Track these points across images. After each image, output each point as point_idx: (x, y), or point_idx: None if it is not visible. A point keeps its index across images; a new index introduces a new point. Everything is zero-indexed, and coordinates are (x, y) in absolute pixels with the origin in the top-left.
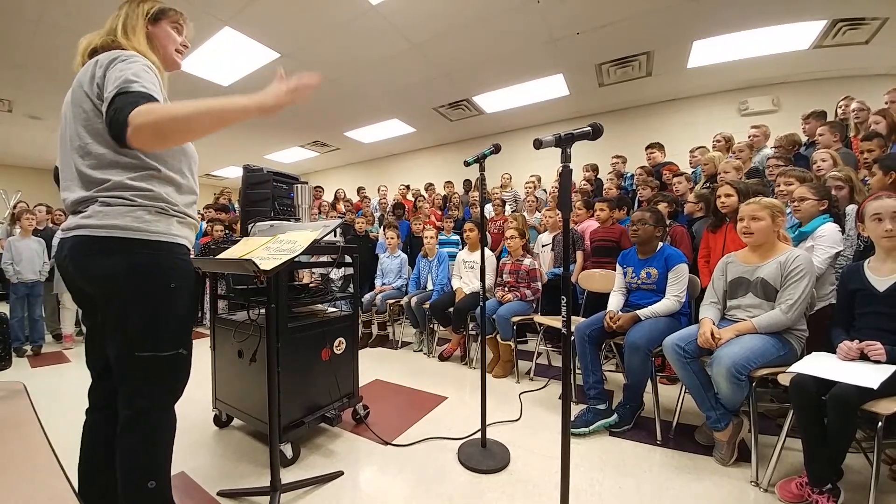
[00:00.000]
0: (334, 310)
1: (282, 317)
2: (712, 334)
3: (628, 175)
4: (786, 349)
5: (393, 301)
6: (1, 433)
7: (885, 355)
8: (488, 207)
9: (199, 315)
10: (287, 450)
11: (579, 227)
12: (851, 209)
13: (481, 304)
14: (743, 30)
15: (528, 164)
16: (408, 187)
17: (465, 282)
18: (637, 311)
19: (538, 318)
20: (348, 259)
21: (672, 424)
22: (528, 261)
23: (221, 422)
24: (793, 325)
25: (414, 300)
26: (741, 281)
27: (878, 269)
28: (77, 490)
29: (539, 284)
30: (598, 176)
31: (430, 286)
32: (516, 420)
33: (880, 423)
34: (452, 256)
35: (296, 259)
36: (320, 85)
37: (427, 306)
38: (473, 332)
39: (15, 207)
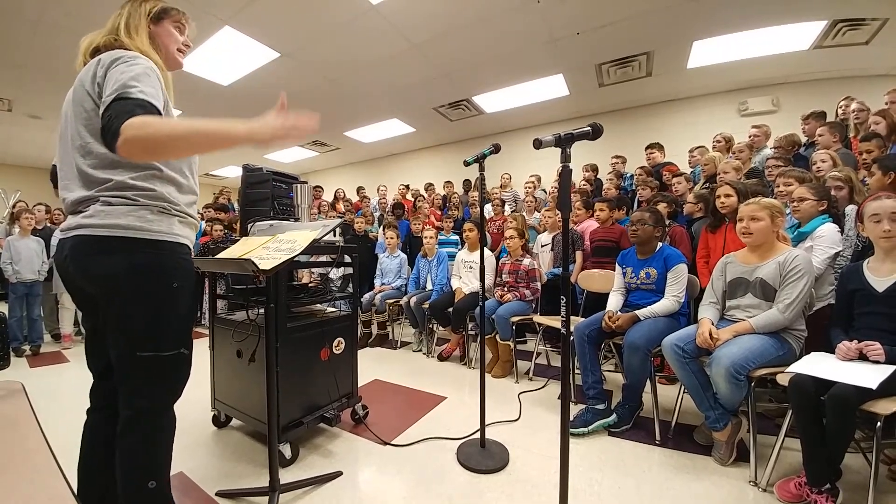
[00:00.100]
0: (333, 310)
1: (281, 317)
2: (710, 335)
3: (628, 175)
4: (784, 349)
5: (392, 301)
6: None
7: (884, 355)
8: (488, 207)
9: (198, 315)
10: (286, 450)
11: (579, 227)
12: (851, 209)
13: (480, 304)
14: (743, 30)
15: (528, 164)
16: (407, 187)
17: (465, 282)
18: (636, 312)
19: (537, 318)
20: (348, 259)
21: (671, 424)
22: (527, 261)
23: (220, 422)
24: (791, 325)
25: (413, 300)
26: (740, 281)
27: (877, 269)
28: (76, 490)
29: (538, 284)
30: (598, 176)
31: (429, 286)
32: (515, 420)
33: (879, 423)
34: (452, 256)
35: (295, 259)
36: (317, 129)
37: (426, 306)
38: (473, 332)
39: (14, 207)
